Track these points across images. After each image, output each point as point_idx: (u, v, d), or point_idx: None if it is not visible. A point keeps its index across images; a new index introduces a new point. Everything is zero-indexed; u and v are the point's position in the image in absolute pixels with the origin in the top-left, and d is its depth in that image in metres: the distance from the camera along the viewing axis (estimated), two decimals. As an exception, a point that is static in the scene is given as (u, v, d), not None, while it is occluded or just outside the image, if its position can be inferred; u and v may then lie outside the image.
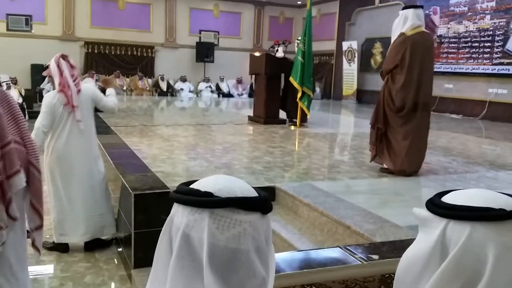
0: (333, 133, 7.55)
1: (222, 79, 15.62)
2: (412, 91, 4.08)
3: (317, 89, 15.65)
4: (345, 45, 14.13)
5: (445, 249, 0.69)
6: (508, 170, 4.76)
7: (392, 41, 4.25)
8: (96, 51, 14.62)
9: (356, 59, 13.68)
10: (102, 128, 6.64)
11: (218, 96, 15.14)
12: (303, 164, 4.88)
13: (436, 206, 0.72)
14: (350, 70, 14.02)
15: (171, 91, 14.85)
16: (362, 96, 13.57)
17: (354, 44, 13.75)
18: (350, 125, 9.80)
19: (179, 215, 0.68)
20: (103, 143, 4.76)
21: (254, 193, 0.70)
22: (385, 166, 4.34)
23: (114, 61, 14.89)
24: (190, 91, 15.00)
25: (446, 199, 0.73)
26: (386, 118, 4.23)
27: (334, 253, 1.81)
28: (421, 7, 4.47)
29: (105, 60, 14.74)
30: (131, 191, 3.07)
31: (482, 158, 5.44)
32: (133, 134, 6.24)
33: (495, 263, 0.65)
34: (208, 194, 0.66)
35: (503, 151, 6.06)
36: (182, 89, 14.93)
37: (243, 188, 0.70)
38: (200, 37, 15.85)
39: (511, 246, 0.66)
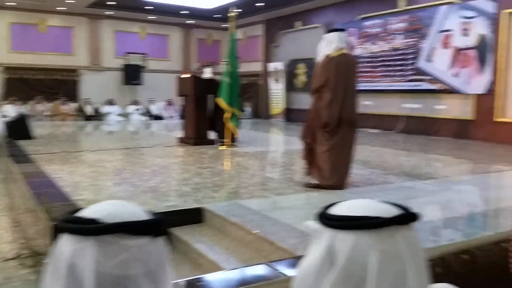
0: (262, 152, 7.69)
1: (151, 102, 15.40)
2: (337, 108, 4.30)
3: (247, 109, 15.94)
4: (271, 66, 14.56)
5: (333, 259, 0.71)
6: (423, 180, 5.11)
7: (318, 62, 4.48)
8: (16, 76, 13.87)
9: (282, 79, 14.12)
10: (21, 157, 6.28)
11: (149, 118, 14.90)
12: (231, 184, 4.92)
13: (324, 217, 0.74)
14: (277, 90, 14.44)
15: (97, 115, 14.36)
16: (290, 114, 14.00)
17: (280, 65, 14.21)
18: (279, 143, 10.06)
19: (64, 244, 0.65)
20: (21, 172, 4.50)
21: (144, 217, 0.68)
22: (313, 181, 4.50)
23: (36, 86, 14.19)
24: (118, 115, 14.61)
25: (333, 210, 0.76)
26: (314, 134, 4.43)
27: (258, 270, 1.85)
28: (344, 30, 4.75)
29: (26, 86, 14.01)
30: (49, 221, 2.93)
31: (399, 169, 5.82)
32: (54, 161, 5.95)
33: (377, 270, 0.68)
34: (92, 221, 0.64)
35: (418, 162, 6.51)
36: (109, 113, 14.50)
37: (134, 212, 0.68)
38: (128, 59, 15.55)
39: (391, 253, 0.70)
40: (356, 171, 5.41)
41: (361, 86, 11.27)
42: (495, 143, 8.26)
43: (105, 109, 14.64)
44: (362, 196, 3.28)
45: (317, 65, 4.49)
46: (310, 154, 4.48)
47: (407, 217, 0.73)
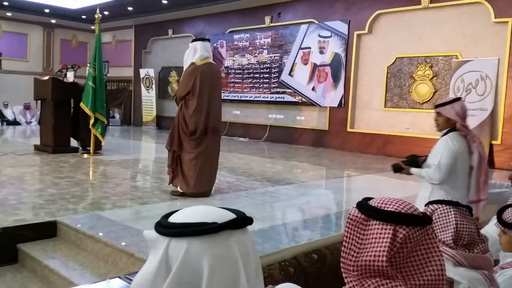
0: (130, 160, 7.47)
1: (6, 105, 13.86)
2: (203, 115, 4.38)
3: (117, 116, 15.29)
4: (143, 72, 14.23)
5: (169, 267, 0.73)
6: (284, 185, 5.49)
7: (184, 70, 4.52)
8: None
9: (154, 86, 13.89)
10: None
11: (2, 124, 13.39)
12: (92, 194, 4.70)
13: (161, 226, 0.76)
14: (149, 97, 14.14)
15: None
16: (161, 122, 13.82)
17: (151, 72, 13.96)
18: (149, 151, 9.86)
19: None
20: None
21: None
22: (179, 189, 4.52)
23: None
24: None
25: (171, 218, 0.77)
26: (181, 141, 4.44)
27: (112, 284, 1.82)
28: (208, 40, 4.88)
29: None
30: None
31: (262, 176, 6.16)
32: None
33: (209, 275, 0.71)
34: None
35: (280, 168, 6.97)
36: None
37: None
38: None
39: (223, 257, 0.73)
40: (223, 178, 5.60)
41: (231, 96, 11.70)
42: (347, 151, 9.23)
43: None
44: (229, 202, 3.42)
45: (183, 73, 4.55)
46: (175, 162, 4.50)
47: (239, 222, 0.78)
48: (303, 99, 10.32)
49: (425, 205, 1.69)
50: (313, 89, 10.13)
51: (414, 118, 8.43)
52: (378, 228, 1.01)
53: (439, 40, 8.04)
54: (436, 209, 1.62)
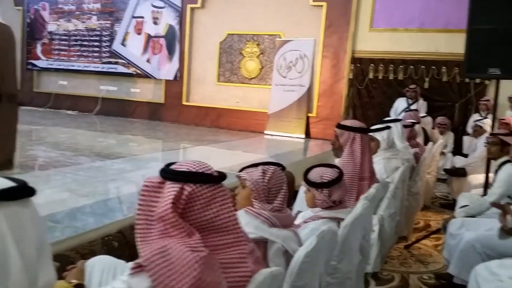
0: None
1: None
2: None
3: None
4: None
5: None
6: (113, 159, 5.30)
7: None
8: None
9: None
10: None
11: None
12: None
13: None
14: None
15: None
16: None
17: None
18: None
19: None
20: None
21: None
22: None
23: None
24: None
25: None
26: None
27: None
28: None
29: None
30: None
31: (90, 150, 5.84)
32: None
33: None
34: None
35: (112, 142, 6.69)
36: None
37: None
38: None
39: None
40: (43, 154, 5.15)
41: (56, 64, 10.68)
42: (183, 124, 9.32)
43: None
44: (47, 180, 3.12)
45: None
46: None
47: (11, 192, 0.71)
48: (138, 71, 9.99)
49: (241, 170, 1.81)
50: (148, 60, 9.88)
51: (243, 93, 8.93)
52: (169, 188, 1.06)
53: (265, 20, 8.58)
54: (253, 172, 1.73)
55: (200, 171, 1.09)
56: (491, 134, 3.37)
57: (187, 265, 0.97)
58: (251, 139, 7.84)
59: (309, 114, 8.15)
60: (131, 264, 1.04)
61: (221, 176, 1.14)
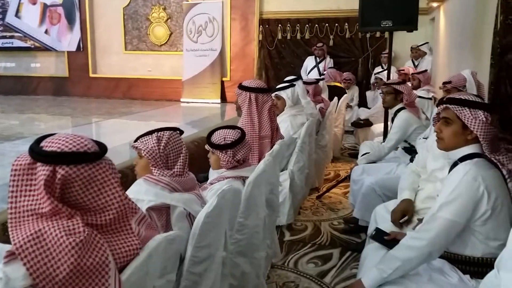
0: None
1: None
2: None
3: None
4: None
5: None
6: (13, 140, 4.93)
7: None
8: None
9: None
10: None
11: None
12: None
13: None
14: None
15: None
16: None
17: None
18: None
19: None
20: None
21: None
22: None
23: None
24: None
25: None
26: None
27: None
28: None
29: None
30: None
31: (-13, 133, 5.37)
32: None
33: None
34: None
35: (13, 123, 6.20)
36: None
37: None
38: None
39: None
40: None
41: None
42: (92, 98, 8.85)
43: None
44: None
45: None
46: None
47: None
48: (36, 44, 9.23)
49: (136, 140, 1.76)
50: (46, 32, 9.14)
51: (154, 61, 8.64)
52: (41, 171, 0.96)
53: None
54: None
55: (74, 149, 0.98)
56: (384, 84, 3.57)
57: (63, 251, 0.92)
58: (166, 108, 7.68)
59: (224, 79, 8.12)
60: (5, 252, 0.94)
61: (99, 152, 1.03)
